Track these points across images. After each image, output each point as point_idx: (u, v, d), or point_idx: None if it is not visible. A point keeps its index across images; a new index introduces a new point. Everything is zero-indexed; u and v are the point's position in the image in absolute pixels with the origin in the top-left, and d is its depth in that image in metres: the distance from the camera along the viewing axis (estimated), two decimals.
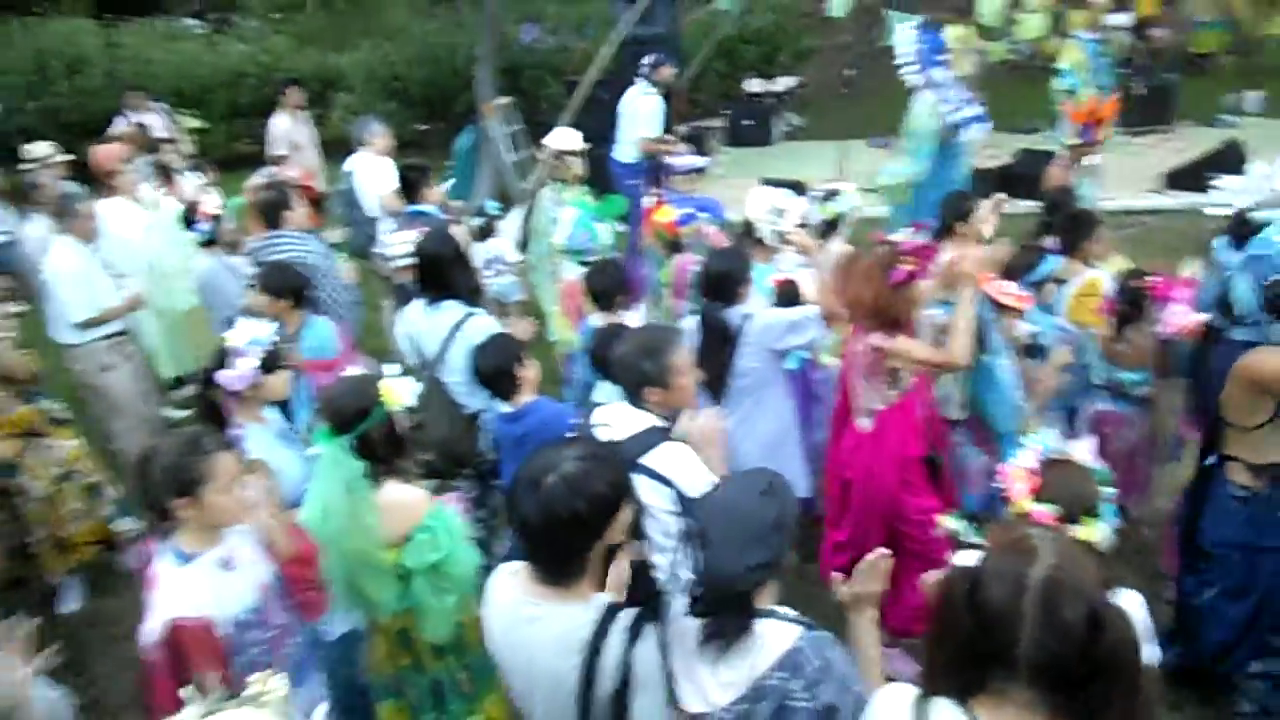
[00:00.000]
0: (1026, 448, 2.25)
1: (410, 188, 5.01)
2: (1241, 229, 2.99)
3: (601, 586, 1.96)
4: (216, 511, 2.28)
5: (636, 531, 2.43)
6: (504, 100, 10.22)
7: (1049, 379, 3.65)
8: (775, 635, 1.87)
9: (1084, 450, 2.25)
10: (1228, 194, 3.81)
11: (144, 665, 3.85)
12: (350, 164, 6.09)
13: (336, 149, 11.25)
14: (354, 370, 2.83)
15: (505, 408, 3.29)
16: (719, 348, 3.57)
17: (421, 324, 3.90)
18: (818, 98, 13.60)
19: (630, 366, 2.64)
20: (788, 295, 3.93)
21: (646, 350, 2.65)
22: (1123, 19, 9.57)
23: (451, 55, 12.47)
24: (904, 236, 3.12)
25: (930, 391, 3.39)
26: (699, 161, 5.89)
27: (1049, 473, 2.15)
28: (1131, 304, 3.68)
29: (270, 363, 3.05)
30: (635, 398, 2.67)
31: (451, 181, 7.62)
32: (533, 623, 1.91)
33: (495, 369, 3.24)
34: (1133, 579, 3.66)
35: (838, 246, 4.35)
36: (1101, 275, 3.98)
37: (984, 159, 9.92)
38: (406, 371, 2.89)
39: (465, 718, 2.81)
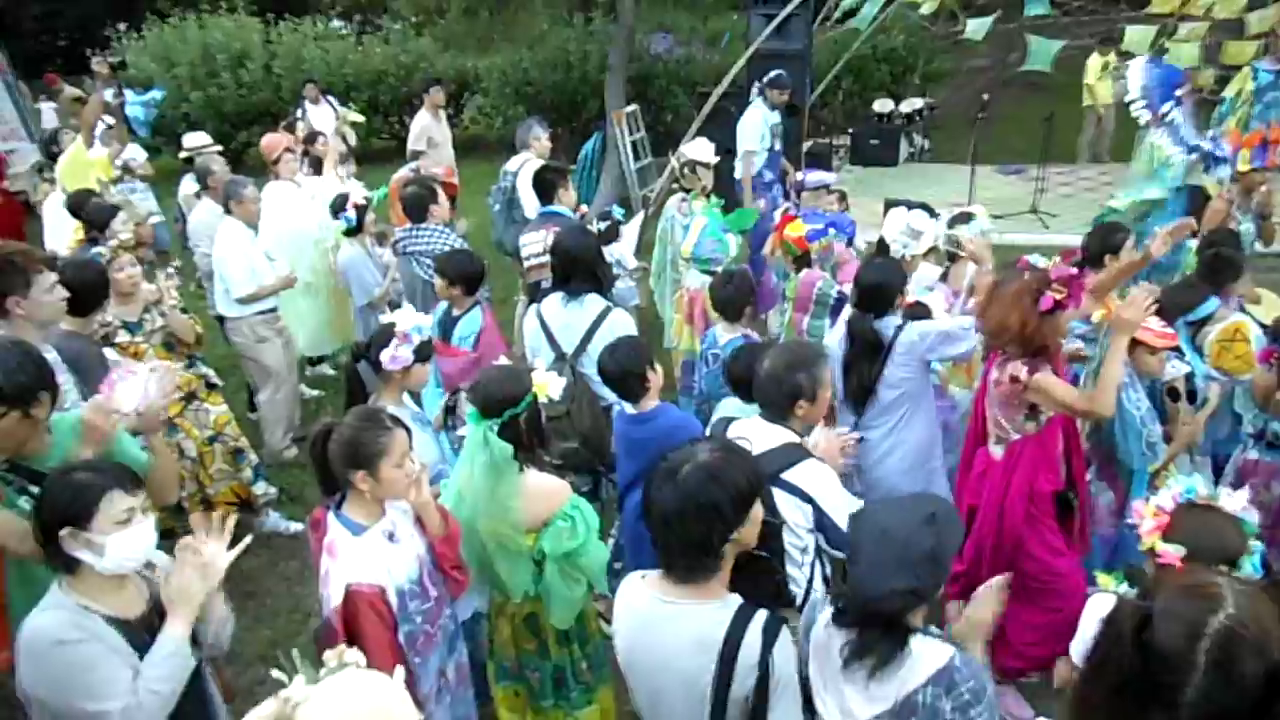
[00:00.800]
0: (1168, 490, 2.18)
1: (547, 188, 5.15)
2: None
3: (732, 588, 1.97)
4: (389, 484, 2.38)
5: (773, 545, 2.45)
6: (631, 108, 10.41)
7: (1196, 425, 3.47)
8: (929, 652, 1.85)
9: (1237, 500, 2.15)
10: None
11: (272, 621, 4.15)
12: (513, 164, 6.29)
13: (468, 148, 11.71)
14: (504, 360, 2.96)
15: (630, 409, 3.35)
16: (869, 359, 3.56)
17: (561, 317, 3.97)
18: (947, 121, 13.29)
19: (783, 380, 2.67)
20: (917, 319, 3.89)
21: (799, 364, 2.68)
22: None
23: (583, 62, 12.76)
24: (1053, 264, 3.03)
25: (1074, 424, 3.27)
26: (829, 177, 5.87)
27: (1188, 516, 2.08)
28: None
29: (423, 351, 3.21)
30: (782, 412, 2.69)
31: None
32: (668, 622, 1.93)
33: (624, 371, 3.28)
34: None
35: (972, 272, 4.27)
36: (1246, 320, 3.77)
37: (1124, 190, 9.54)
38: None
39: (584, 706, 2.89)
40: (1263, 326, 3.78)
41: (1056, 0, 8.42)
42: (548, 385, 2.72)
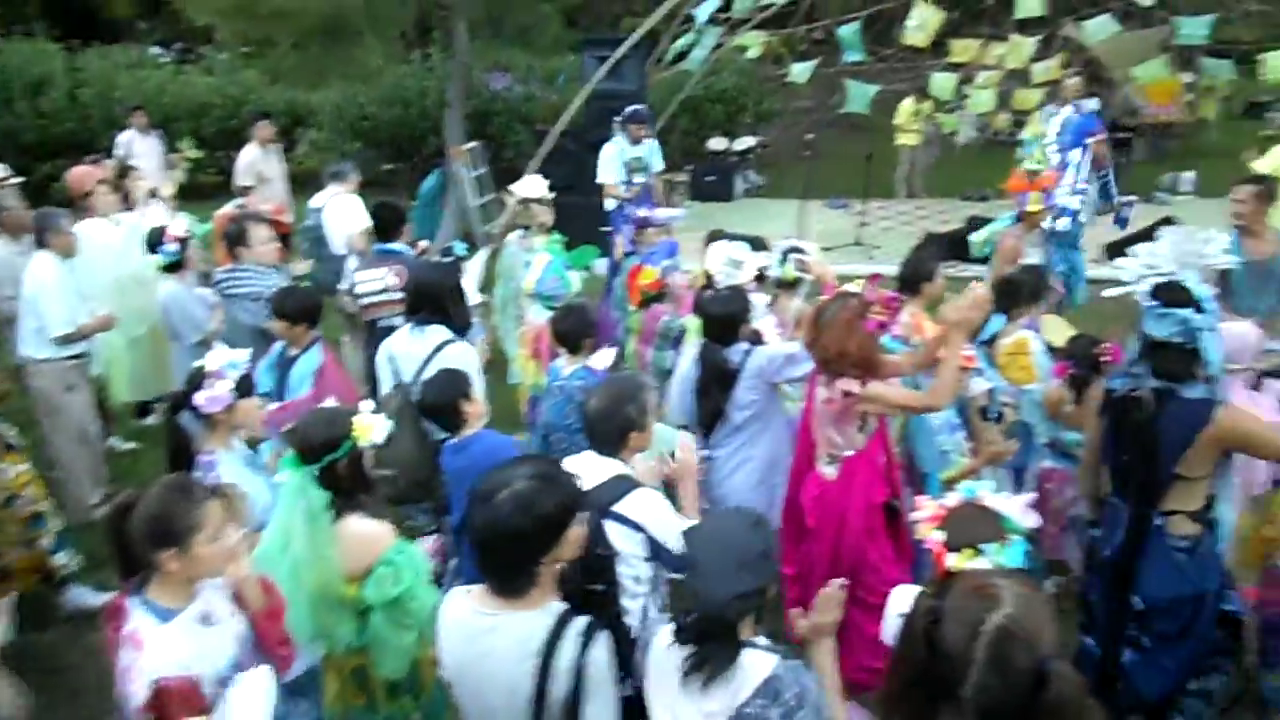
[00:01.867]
0: (956, 492, 2.36)
1: (384, 226, 5.04)
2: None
3: (555, 597, 2.03)
4: (203, 562, 2.16)
5: (606, 576, 2.49)
6: (472, 144, 10.36)
7: (1008, 447, 3.77)
8: (755, 663, 1.93)
9: (1012, 503, 2.32)
10: (1145, 261, 3.99)
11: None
12: (318, 200, 6.11)
13: (302, 184, 11.24)
14: (330, 402, 2.85)
15: (452, 440, 3.38)
16: (718, 386, 3.70)
17: (405, 346, 3.95)
18: (778, 158, 14.01)
19: (614, 415, 2.74)
20: (752, 343, 4.05)
21: (626, 397, 2.77)
22: (1092, 103, 10.23)
23: (421, 98, 12.60)
24: (864, 289, 3.24)
25: (889, 436, 3.47)
26: (678, 213, 6.05)
27: (954, 510, 2.24)
28: (1090, 368, 3.84)
29: (244, 388, 3.04)
30: (616, 446, 2.75)
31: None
32: (489, 633, 1.97)
33: (438, 403, 3.32)
34: (1069, 631, 3.77)
35: (797, 304, 4.50)
36: (1029, 335, 4.13)
37: (937, 224, 10.34)
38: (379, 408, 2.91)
39: None
40: (1051, 347, 4.18)
41: (871, 48, 9.04)
42: (370, 428, 2.64)
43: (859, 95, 8.64)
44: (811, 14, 9.88)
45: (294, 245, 6.23)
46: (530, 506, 1.90)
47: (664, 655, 2.03)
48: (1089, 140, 6.94)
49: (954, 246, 9.27)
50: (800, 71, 8.89)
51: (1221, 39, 8.64)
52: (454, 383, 3.35)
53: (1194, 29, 8.00)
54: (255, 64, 14.95)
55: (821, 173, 11.47)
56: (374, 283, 4.85)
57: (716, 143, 13.08)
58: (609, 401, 2.76)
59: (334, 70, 11.04)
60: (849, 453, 3.31)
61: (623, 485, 2.66)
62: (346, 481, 2.62)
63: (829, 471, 3.37)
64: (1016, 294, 4.18)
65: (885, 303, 3.14)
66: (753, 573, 1.93)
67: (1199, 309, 2.78)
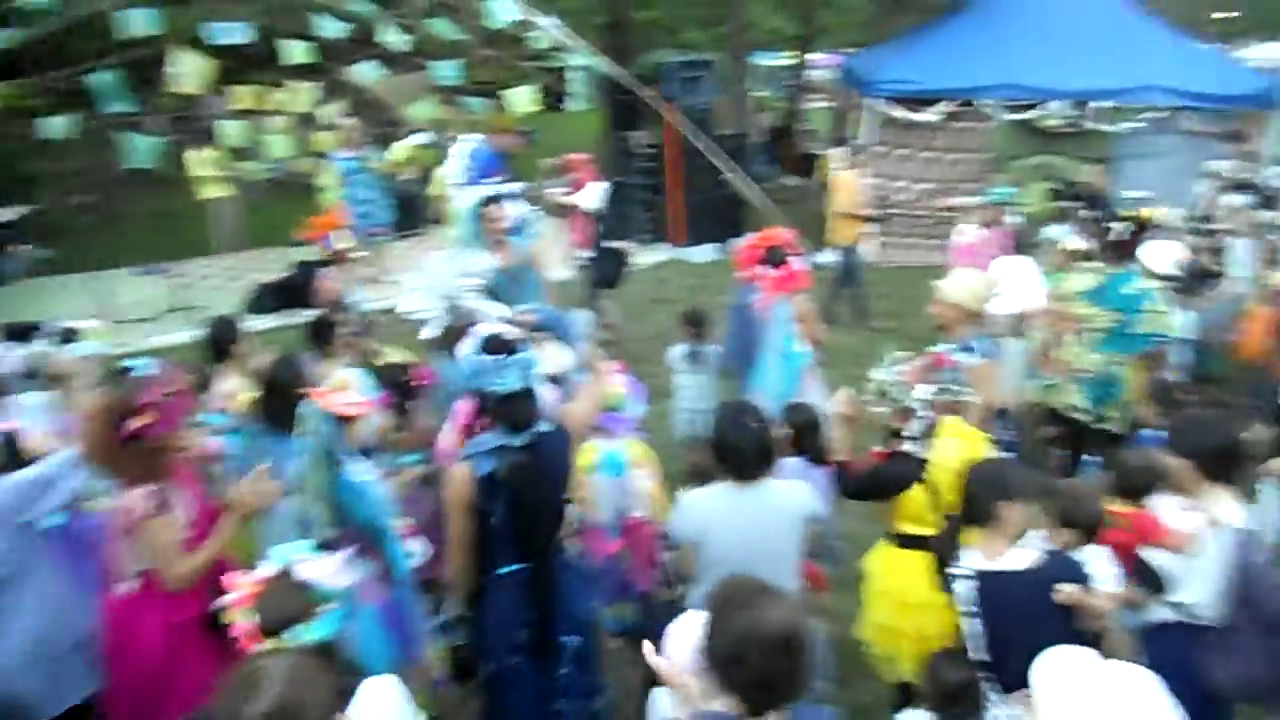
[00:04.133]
0: (269, 561, 2.20)
1: None
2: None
3: None
4: None
5: None
6: None
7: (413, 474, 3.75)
8: None
9: (325, 566, 2.23)
10: (430, 290, 4.35)
11: None
12: None
13: None
14: None
15: None
16: None
17: None
18: (66, 228, 12.00)
19: None
20: (8, 450, 3.20)
21: None
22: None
23: None
24: (149, 378, 2.71)
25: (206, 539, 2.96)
26: None
27: (267, 586, 2.12)
28: (403, 394, 3.98)
29: None
30: None
31: None
32: None
33: None
34: None
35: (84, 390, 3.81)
36: (352, 373, 4.16)
37: (266, 274, 9.94)
38: None
39: None
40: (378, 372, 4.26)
41: (143, 97, 8.22)
42: None
43: (141, 149, 7.82)
44: (49, 63, 8.62)
45: None
46: None
47: None
48: (491, 178, 7.19)
49: (286, 294, 9.09)
50: (58, 128, 7.68)
51: (474, 80, 9.99)
52: None
53: (446, 71, 9.13)
54: None
55: (125, 238, 10.17)
56: None
57: None
58: None
59: None
60: (145, 565, 2.78)
61: None
62: None
63: (125, 588, 2.82)
64: (329, 335, 4.18)
65: (172, 398, 2.65)
66: None
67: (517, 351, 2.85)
